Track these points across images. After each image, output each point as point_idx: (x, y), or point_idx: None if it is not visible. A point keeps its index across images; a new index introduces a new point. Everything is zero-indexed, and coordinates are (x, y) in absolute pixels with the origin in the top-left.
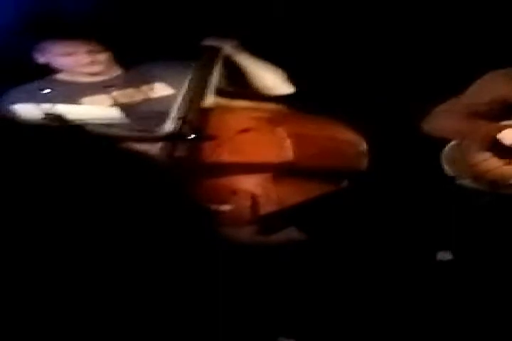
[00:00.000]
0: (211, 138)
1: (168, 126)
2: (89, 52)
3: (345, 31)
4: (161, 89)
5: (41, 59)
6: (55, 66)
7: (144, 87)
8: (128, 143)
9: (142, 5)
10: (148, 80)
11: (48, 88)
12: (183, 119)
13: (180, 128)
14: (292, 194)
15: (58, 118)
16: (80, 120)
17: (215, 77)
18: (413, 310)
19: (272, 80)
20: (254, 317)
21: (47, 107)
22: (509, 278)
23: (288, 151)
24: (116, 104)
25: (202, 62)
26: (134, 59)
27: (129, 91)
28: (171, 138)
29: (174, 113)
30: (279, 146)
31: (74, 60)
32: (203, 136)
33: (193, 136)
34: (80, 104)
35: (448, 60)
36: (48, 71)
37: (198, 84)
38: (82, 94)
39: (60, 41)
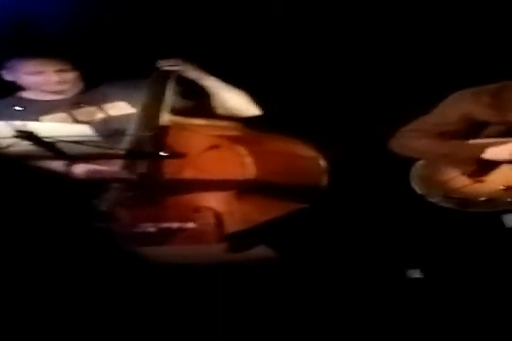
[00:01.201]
0: (178, 155)
1: (126, 143)
2: (58, 71)
3: (300, 50)
4: (122, 108)
5: (8, 76)
6: (21, 84)
7: (105, 106)
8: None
9: (109, 23)
10: (110, 99)
11: (15, 106)
12: (143, 137)
13: (141, 146)
14: (255, 211)
15: (29, 136)
16: (51, 137)
17: (169, 95)
18: (381, 328)
19: (239, 102)
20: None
21: (18, 124)
22: (478, 295)
23: (249, 169)
24: (75, 122)
25: (154, 80)
26: (97, 77)
27: (90, 109)
28: (141, 155)
29: (131, 131)
30: (240, 164)
31: (42, 78)
32: (173, 154)
33: (163, 153)
34: (39, 121)
35: (415, 79)
36: (13, 88)
37: (152, 102)
38: (42, 112)
39: (29, 59)
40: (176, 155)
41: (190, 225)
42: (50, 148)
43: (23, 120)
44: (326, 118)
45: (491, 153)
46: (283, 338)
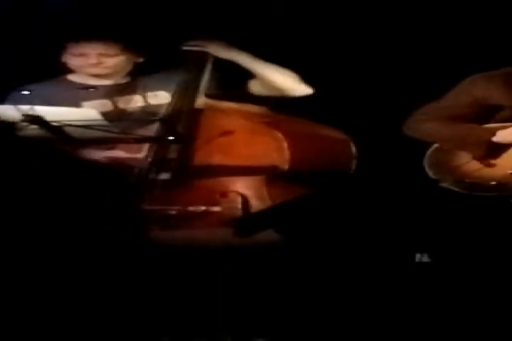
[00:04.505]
0: (200, 139)
1: (155, 128)
2: (100, 54)
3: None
4: (162, 97)
5: (62, 58)
6: (70, 66)
7: (147, 94)
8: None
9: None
10: (152, 88)
11: (56, 88)
12: (170, 121)
13: (167, 130)
14: (285, 196)
15: (37, 120)
16: (58, 121)
17: (205, 79)
18: (390, 312)
19: (289, 81)
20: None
21: (25, 108)
22: (487, 281)
23: (285, 154)
24: (116, 108)
25: (191, 64)
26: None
27: (132, 97)
28: (150, 140)
29: (162, 115)
30: (275, 149)
31: (83, 60)
32: (188, 138)
33: (174, 138)
34: (81, 106)
35: (431, 64)
36: (60, 70)
37: (188, 86)
38: (86, 97)
39: (77, 41)
40: (183, 138)
41: (217, 209)
42: (57, 132)
43: (64, 104)
44: (339, 104)
45: (502, 136)
46: (293, 323)
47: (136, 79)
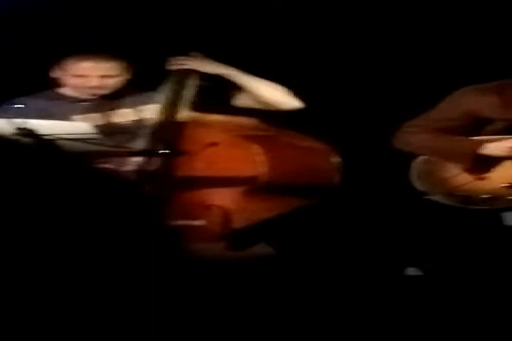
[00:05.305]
0: (183, 152)
1: (141, 141)
2: (102, 76)
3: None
4: (152, 111)
5: (55, 74)
6: (64, 83)
7: (138, 108)
8: (99, 158)
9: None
10: (143, 102)
11: (46, 102)
12: (155, 135)
13: (152, 144)
14: (265, 210)
15: (30, 133)
16: (52, 135)
17: (189, 91)
18: (380, 326)
19: (277, 95)
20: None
21: (19, 122)
22: (478, 293)
23: (262, 167)
24: (108, 122)
25: (176, 77)
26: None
27: (124, 111)
28: (143, 153)
29: (148, 129)
30: (253, 162)
31: (83, 81)
32: (175, 151)
33: (164, 151)
34: (72, 120)
35: (420, 76)
36: (51, 84)
37: (172, 99)
38: (76, 111)
39: (79, 61)
40: (175, 152)
41: (199, 223)
42: (50, 145)
43: (55, 118)
44: (327, 116)
45: (488, 149)
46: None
47: (125, 93)
